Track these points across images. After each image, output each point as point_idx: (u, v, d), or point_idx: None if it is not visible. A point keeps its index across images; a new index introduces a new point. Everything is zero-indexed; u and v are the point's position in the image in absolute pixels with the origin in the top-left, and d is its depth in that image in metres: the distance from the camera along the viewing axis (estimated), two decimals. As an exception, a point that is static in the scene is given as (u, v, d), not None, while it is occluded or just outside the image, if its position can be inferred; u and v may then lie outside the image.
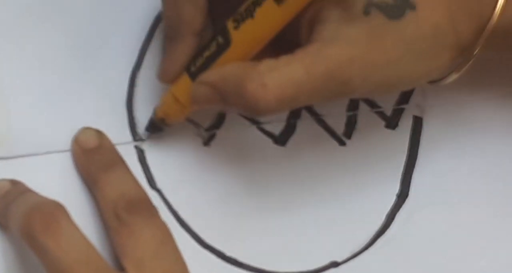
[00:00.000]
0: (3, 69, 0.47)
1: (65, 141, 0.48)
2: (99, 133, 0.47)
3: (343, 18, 0.43)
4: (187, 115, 0.47)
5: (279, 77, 0.42)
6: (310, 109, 0.51)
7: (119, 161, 0.47)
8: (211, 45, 0.45)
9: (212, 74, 0.44)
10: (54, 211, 0.43)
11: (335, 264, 0.50)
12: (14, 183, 0.47)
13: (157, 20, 0.49)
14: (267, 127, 0.51)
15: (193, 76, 0.45)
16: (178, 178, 0.49)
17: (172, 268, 0.44)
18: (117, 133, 0.49)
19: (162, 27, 0.49)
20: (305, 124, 0.51)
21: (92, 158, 0.47)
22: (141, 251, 0.43)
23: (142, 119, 0.49)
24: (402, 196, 0.52)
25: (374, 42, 0.42)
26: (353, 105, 0.51)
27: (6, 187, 0.46)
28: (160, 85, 0.48)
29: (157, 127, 0.48)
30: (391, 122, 0.52)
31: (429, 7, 0.43)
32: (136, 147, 0.49)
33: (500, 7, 0.44)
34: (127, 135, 0.49)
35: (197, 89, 0.45)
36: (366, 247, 0.51)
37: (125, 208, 0.44)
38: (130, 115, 0.49)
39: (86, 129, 0.47)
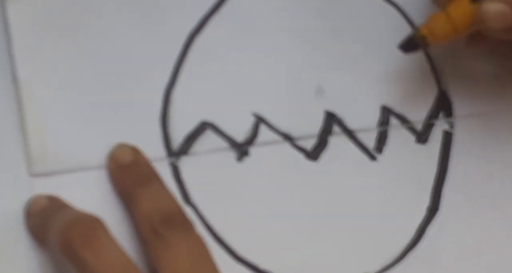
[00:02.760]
0: (39, 88, 0.47)
1: (101, 158, 0.47)
2: (134, 149, 0.47)
3: None
4: (453, 39, 0.47)
5: None
6: (341, 124, 0.51)
7: (155, 177, 0.47)
8: None
9: None
10: (93, 225, 0.42)
11: None
12: (51, 198, 0.46)
13: (191, 37, 0.49)
14: (299, 143, 0.50)
15: None
16: (213, 194, 0.49)
17: None
18: (152, 149, 0.48)
19: (196, 43, 0.49)
20: (337, 139, 0.51)
21: (128, 173, 0.46)
22: (178, 264, 0.43)
23: (176, 136, 0.49)
24: (433, 210, 0.52)
25: None
26: (384, 120, 0.51)
27: (43, 202, 0.46)
28: (195, 101, 0.48)
29: (414, 45, 0.48)
30: (422, 137, 0.52)
31: None
32: (171, 163, 0.49)
33: None
34: (162, 151, 0.48)
35: (489, 5, 0.45)
36: (397, 260, 0.51)
37: (161, 222, 0.44)
38: (164, 131, 0.49)
39: (121, 145, 0.47)
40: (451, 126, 0.52)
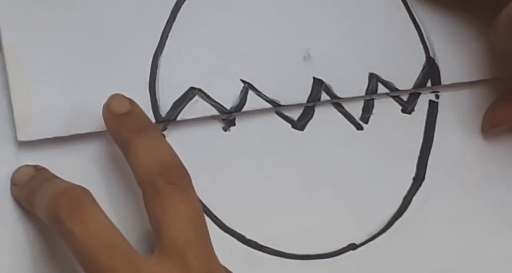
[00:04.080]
0: (25, 56, 0.46)
1: (88, 124, 0.47)
2: (129, 99, 0.46)
3: None
4: None
5: None
6: (329, 91, 0.50)
7: (152, 126, 0.46)
8: None
9: None
10: (80, 196, 0.42)
11: (353, 246, 0.51)
12: (39, 168, 0.46)
13: (178, 5, 0.49)
14: (286, 112, 0.50)
15: None
16: (199, 163, 0.48)
17: (204, 252, 0.42)
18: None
19: (184, 10, 0.49)
20: (323, 109, 0.51)
21: (124, 122, 0.45)
22: (175, 234, 0.41)
23: (165, 101, 0.48)
24: (418, 179, 0.52)
25: None
26: (372, 88, 0.51)
27: (30, 172, 0.46)
28: (184, 67, 0.48)
29: None
30: (408, 107, 0.52)
31: None
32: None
33: None
34: (150, 117, 0.47)
35: None
36: (383, 230, 0.51)
37: (160, 173, 0.43)
38: (153, 97, 0.48)
39: (117, 95, 0.46)
40: (437, 96, 0.52)
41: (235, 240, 0.49)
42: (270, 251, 0.49)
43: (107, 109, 0.45)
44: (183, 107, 0.48)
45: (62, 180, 0.44)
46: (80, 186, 0.42)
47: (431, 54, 0.52)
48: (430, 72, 0.52)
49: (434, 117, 0.52)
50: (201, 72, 0.49)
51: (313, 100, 0.50)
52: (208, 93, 0.48)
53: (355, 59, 0.51)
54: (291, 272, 0.49)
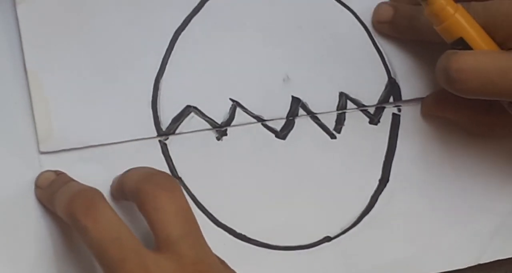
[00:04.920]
0: (45, 78, 0.46)
1: (99, 137, 0.47)
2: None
3: None
4: None
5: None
6: (305, 108, 0.50)
7: None
8: None
9: None
10: (93, 196, 0.42)
11: (328, 239, 0.50)
12: (58, 173, 0.46)
13: (176, 35, 0.48)
14: (270, 124, 0.50)
15: None
16: (196, 168, 0.48)
17: (195, 243, 0.42)
18: (144, 130, 0.48)
19: (180, 39, 0.49)
20: (302, 121, 0.50)
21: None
22: (168, 229, 0.41)
23: (165, 117, 0.48)
24: (384, 180, 0.51)
25: None
26: (342, 105, 0.51)
27: (51, 177, 0.45)
28: (181, 88, 0.48)
29: None
30: (374, 119, 0.51)
31: None
32: (160, 141, 0.48)
33: None
34: (153, 131, 0.48)
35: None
36: (354, 224, 0.50)
37: (146, 179, 0.42)
38: (155, 114, 0.48)
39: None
40: (399, 109, 0.52)
41: (227, 233, 0.48)
42: (257, 243, 0.49)
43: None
44: (181, 122, 0.48)
45: (78, 183, 0.44)
46: (93, 188, 0.42)
47: (392, 75, 0.51)
48: (392, 90, 0.51)
49: (397, 128, 0.51)
50: (195, 92, 0.48)
51: (292, 115, 0.49)
52: (202, 110, 0.48)
53: (327, 80, 0.50)
54: (275, 261, 0.49)
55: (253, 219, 0.49)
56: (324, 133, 0.50)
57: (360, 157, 0.51)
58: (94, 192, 0.42)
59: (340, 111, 0.50)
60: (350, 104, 0.51)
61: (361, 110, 0.51)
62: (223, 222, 0.48)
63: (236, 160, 0.49)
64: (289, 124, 0.50)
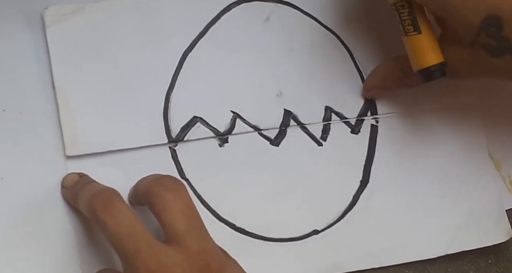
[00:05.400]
0: (70, 93, 0.46)
1: (117, 143, 0.47)
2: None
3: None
4: None
5: None
6: (296, 119, 0.50)
7: None
8: None
9: None
10: (111, 195, 0.41)
11: (316, 232, 0.50)
12: (82, 175, 0.46)
13: (184, 55, 0.49)
14: (265, 133, 0.50)
15: None
16: (201, 170, 0.48)
17: (200, 236, 0.42)
18: (156, 136, 0.48)
19: (188, 59, 0.49)
20: (293, 130, 0.50)
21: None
22: (174, 225, 0.41)
23: (175, 126, 0.48)
24: (364, 182, 0.51)
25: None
26: (327, 117, 0.51)
27: (75, 178, 0.46)
28: (188, 101, 0.48)
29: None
30: (355, 129, 0.51)
31: None
32: (170, 147, 0.48)
33: None
34: (164, 138, 0.48)
35: None
36: (338, 219, 0.50)
37: (154, 182, 0.42)
38: (166, 123, 0.48)
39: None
40: (377, 121, 0.52)
41: (228, 227, 0.48)
42: (254, 236, 0.48)
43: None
44: (188, 131, 0.48)
45: (98, 183, 0.44)
46: (111, 188, 0.42)
47: None
48: (370, 105, 0.51)
49: (375, 136, 0.51)
50: (201, 105, 0.48)
51: (284, 125, 0.50)
52: (207, 120, 0.48)
53: (314, 96, 0.50)
54: (270, 251, 0.49)
55: (251, 214, 0.49)
56: (312, 141, 0.50)
57: (343, 161, 0.51)
58: (112, 192, 0.42)
59: (325, 122, 0.51)
60: (334, 117, 0.51)
61: (344, 122, 0.51)
62: (224, 217, 0.48)
63: (236, 164, 0.49)
64: (282, 133, 0.50)
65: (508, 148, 0.54)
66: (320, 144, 0.51)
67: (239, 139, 0.49)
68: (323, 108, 0.51)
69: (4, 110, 0.45)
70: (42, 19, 0.46)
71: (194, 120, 0.48)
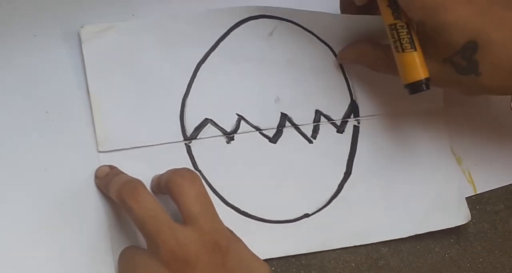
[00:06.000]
0: (103, 97, 0.46)
1: (141, 140, 0.47)
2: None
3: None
4: None
5: None
6: (290, 121, 0.50)
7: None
8: None
9: None
10: (136, 185, 0.42)
11: (307, 215, 0.50)
12: (112, 167, 0.46)
13: (198, 66, 0.48)
14: (265, 132, 0.50)
15: None
16: (212, 163, 0.48)
17: (211, 218, 0.42)
18: (173, 135, 0.48)
19: (201, 70, 0.49)
20: (288, 130, 0.50)
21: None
22: (189, 208, 0.41)
23: (189, 127, 0.48)
24: (347, 173, 0.51)
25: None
26: (317, 119, 0.51)
27: (106, 170, 0.46)
28: (201, 105, 0.48)
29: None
30: (340, 129, 0.51)
31: (489, 77, 0.41)
32: (185, 144, 0.48)
33: None
34: (180, 137, 0.48)
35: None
36: (326, 205, 0.50)
37: (174, 173, 0.42)
38: (182, 124, 0.48)
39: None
40: (358, 122, 0.52)
41: (234, 211, 0.48)
42: (255, 218, 0.49)
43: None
44: (200, 130, 0.48)
45: (126, 174, 0.44)
46: (136, 179, 0.42)
47: (353, 98, 0.51)
48: (353, 109, 0.51)
49: (357, 135, 0.51)
50: (212, 109, 0.48)
51: (281, 126, 0.50)
52: (216, 122, 0.48)
53: (306, 101, 0.50)
54: (268, 231, 0.49)
55: (253, 200, 0.49)
56: (304, 139, 0.51)
57: (330, 156, 0.51)
58: (137, 181, 0.42)
59: (315, 123, 0.51)
60: (323, 119, 0.51)
61: (331, 123, 0.51)
62: (231, 202, 0.48)
63: (241, 158, 0.49)
64: (279, 132, 0.50)
65: (467, 147, 0.54)
66: (310, 142, 0.51)
67: (243, 137, 0.49)
68: (314, 111, 0.51)
69: (47, 112, 0.46)
70: (79, 36, 0.46)
71: (206, 122, 0.49)
